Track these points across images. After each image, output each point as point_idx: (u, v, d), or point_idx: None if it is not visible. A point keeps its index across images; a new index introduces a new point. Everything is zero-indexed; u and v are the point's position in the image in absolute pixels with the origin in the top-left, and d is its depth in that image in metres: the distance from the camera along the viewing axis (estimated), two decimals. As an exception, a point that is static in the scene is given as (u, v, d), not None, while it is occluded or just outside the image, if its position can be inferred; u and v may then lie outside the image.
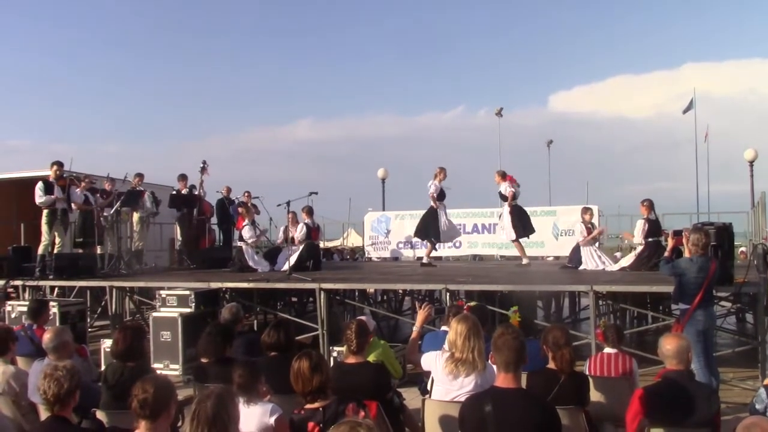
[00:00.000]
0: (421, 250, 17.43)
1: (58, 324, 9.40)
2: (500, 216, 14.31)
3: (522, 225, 13.51)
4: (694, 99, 34.24)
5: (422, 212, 14.32)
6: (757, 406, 4.58)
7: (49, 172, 12.55)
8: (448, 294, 9.73)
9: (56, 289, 12.61)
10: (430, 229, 13.82)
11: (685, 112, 34.32)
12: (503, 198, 13.49)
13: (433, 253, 14.45)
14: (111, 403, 4.92)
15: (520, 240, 13.73)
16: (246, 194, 15.79)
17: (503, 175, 13.59)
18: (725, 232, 8.82)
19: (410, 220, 17.69)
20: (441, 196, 13.63)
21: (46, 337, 5.69)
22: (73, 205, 12.92)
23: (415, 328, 5.95)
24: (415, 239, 15.71)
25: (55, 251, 12.42)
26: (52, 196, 12.35)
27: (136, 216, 14.63)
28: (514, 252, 16.42)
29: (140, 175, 14.77)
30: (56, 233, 12.47)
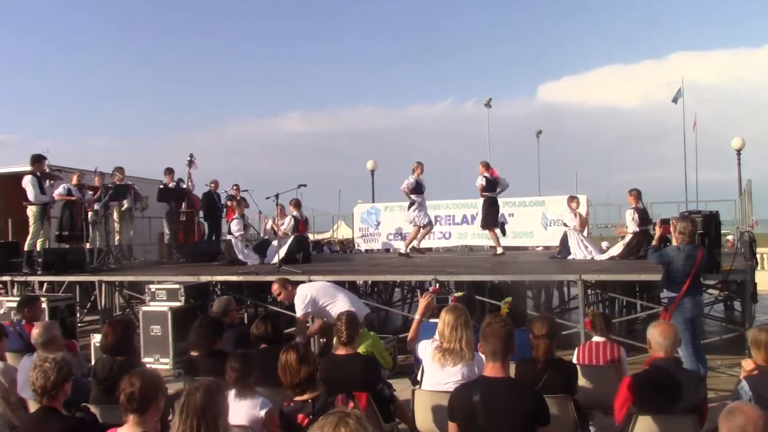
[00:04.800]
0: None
1: (47, 319, 9.36)
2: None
3: (489, 217, 13.74)
4: (682, 88, 34.37)
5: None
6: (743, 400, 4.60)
7: (29, 167, 12.49)
8: (437, 285, 9.75)
9: (45, 284, 12.56)
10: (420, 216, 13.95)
11: (674, 101, 34.42)
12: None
13: (424, 244, 14.49)
14: (101, 398, 4.91)
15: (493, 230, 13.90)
16: (234, 187, 15.75)
17: (486, 167, 13.72)
18: (712, 221, 8.88)
19: (400, 212, 17.70)
20: (419, 189, 13.70)
21: (35, 332, 5.66)
22: (55, 197, 12.89)
23: (416, 316, 5.97)
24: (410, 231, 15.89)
25: (38, 246, 12.38)
26: (46, 197, 12.38)
27: (116, 211, 14.52)
28: (504, 242, 16.59)
29: (120, 169, 14.63)
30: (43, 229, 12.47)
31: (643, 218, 12.14)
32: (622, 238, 12.78)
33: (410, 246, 14.41)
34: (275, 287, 7.89)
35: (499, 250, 13.92)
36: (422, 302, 6.04)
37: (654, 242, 8.24)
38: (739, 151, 22.25)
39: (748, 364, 4.69)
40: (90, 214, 13.48)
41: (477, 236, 16.95)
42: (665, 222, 8.66)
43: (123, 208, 14.67)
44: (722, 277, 9.04)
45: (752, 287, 9.44)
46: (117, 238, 14.68)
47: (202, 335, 5.77)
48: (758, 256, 16.03)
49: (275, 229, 13.74)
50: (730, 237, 17.05)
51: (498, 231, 13.93)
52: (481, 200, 13.75)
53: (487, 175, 13.53)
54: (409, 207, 13.97)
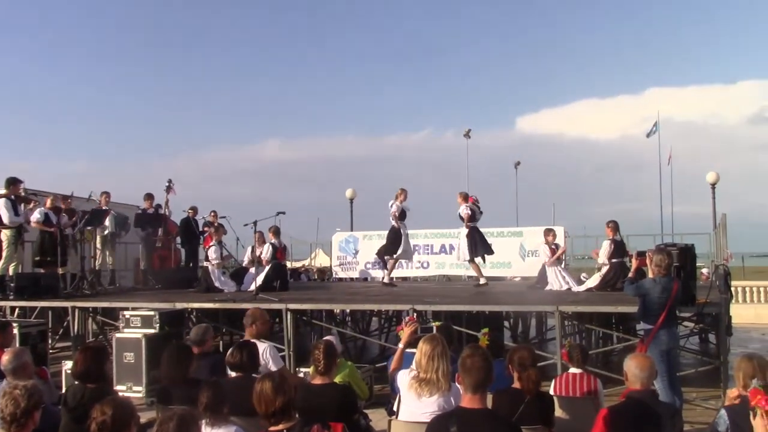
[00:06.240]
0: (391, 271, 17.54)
1: (18, 345, 9.17)
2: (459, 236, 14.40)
3: (479, 246, 13.70)
4: (657, 122, 34.89)
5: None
6: (720, 429, 4.61)
7: (4, 190, 12.37)
8: (415, 314, 9.71)
9: (17, 309, 12.34)
10: (391, 247, 13.95)
11: (649, 135, 34.91)
12: (461, 219, 13.71)
13: (401, 273, 14.49)
14: (71, 427, 4.81)
15: (476, 260, 13.88)
16: (212, 214, 15.67)
17: (465, 197, 13.80)
18: (688, 253, 8.96)
19: (378, 241, 17.65)
20: (402, 215, 13.79)
21: (5, 358, 5.54)
22: (32, 224, 12.77)
23: (400, 345, 5.94)
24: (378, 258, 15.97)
25: (11, 271, 12.21)
26: (20, 218, 12.25)
27: (99, 236, 14.39)
28: (482, 272, 16.69)
29: (107, 194, 14.56)
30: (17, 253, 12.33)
31: (620, 250, 12.25)
32: (598, 269, 12.87)
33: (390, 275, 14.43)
34: None
35: (482, 281, 13.98)
36: (406, 331, 6.02)
37: (630, 274, 8.29)
38: (713, 185, 22.55)
39: (733, 393, 4.72)
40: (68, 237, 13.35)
41: (455, 266, 16.97)
42: (641, 254, 8.72)
43: (105, 233, 14.53)
44: (697, 309, 9.13)
45: (727, 320, 9.51)
46: (98, 263, 14.51)
47: (173, 365, 5.68)
48: (733, 289, 16.17)
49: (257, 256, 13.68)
50: (704, 270, 17.20)
51: (479, 260, 13.95)
52: (464, 230, 13.76)
53: (469, 204, 13.65)
54: (390, 235, 13.97)
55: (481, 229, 15.51)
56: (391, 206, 13.78)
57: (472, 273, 16.39)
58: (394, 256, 14.10)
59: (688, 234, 18.74)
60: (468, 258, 13.74)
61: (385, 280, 14.40)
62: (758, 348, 14.82)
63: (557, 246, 13.57)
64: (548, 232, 13.78)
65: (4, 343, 7.21)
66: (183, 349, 5.99)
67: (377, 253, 14.93)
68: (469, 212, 13.57)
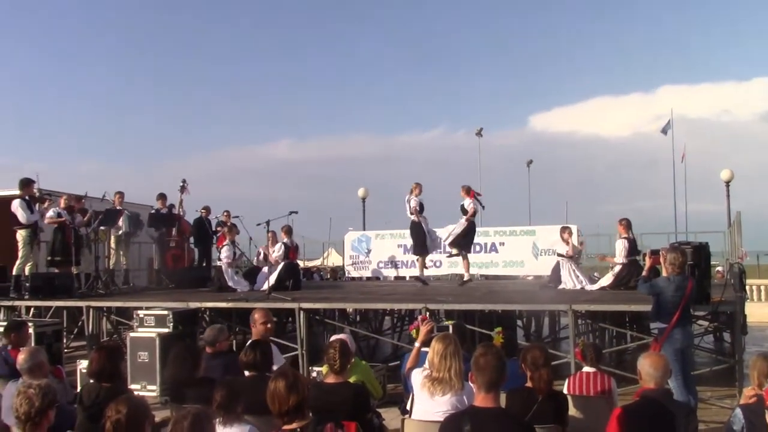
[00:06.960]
0: (404, 270, 17.54)
1: (33, 345, 9.24)
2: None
3: (464, 241, 13.92)
4: (671, 119, 34.64)
5: (403, 231, 14.55)
6: (735, 428, 4.59)
7: (18, 191, 12.47)
8: (428, 313, 9.71)
9: (32, 309, 12.43)
10: (420, 246, 14.15)
11: (665, 131, 34.64)
12: (464, 212, 13.75)
13: (413, 272, 14.58)
14: (86, 425, 4.84)
15: (461, 254, 14.13)
16: (225, 214, 15.73)
17: (468, 191, 13.87)
18: (702, 252, 8.90)
19: (390, 240, 17.72)
20: (421, 209, 13.90)
21: (21, 357, 5.59)
22: (45, 222, 12.85)
23: (417, 344, 5.97)
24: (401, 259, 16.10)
25: (27, 270, 12.29)
26: (35, 216, 12.34)
27: (113, 236, 14.49)
28: (495, 271, 16.76)
29: (120, 194, 14.65)
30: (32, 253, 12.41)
31: (632, 248, 12.18)
32: (611, 268, 12.80)
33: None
34: None
35: (467, 277, 14.27)
36: (423, 329, 6.04)
37: (644, 273, 8.25)
38: (728, 183, 22.42)
39: (749, 392, 4.69)
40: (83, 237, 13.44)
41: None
42: (655, 253, 8.68)
43: (119, 233, 14.61)
44: (712, 308, 9.07)
45: (742, 319, 9.46)
46: (112, 262, 14.62)
47: (178, 365, 5.71)
48: (747, 287, 16.06)
49: (268, 256, 13.76)
50: (719, 268, 17.08)
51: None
52: (462, 222, 13.83)
53: (473, 199, 13.76)
54: (414, 233, 14.11)
55: (494, 228, 15.54)
56: (409, 201, 13.87)
57: (486, 272, 16.48)
58: (426, 254, 14.32)
59: (703, 232, 18.58)
60: (459, 251, 13.95)
61: (419, 276, 14.69)
62: (773, 347, 14.71)
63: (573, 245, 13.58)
64: (564, 229, 13.76)
65: (20, 342, 7.28)
66: (189, 349, 6.02)
67: (415, 253, 15.08)
68: (475, 208, 13.71)
